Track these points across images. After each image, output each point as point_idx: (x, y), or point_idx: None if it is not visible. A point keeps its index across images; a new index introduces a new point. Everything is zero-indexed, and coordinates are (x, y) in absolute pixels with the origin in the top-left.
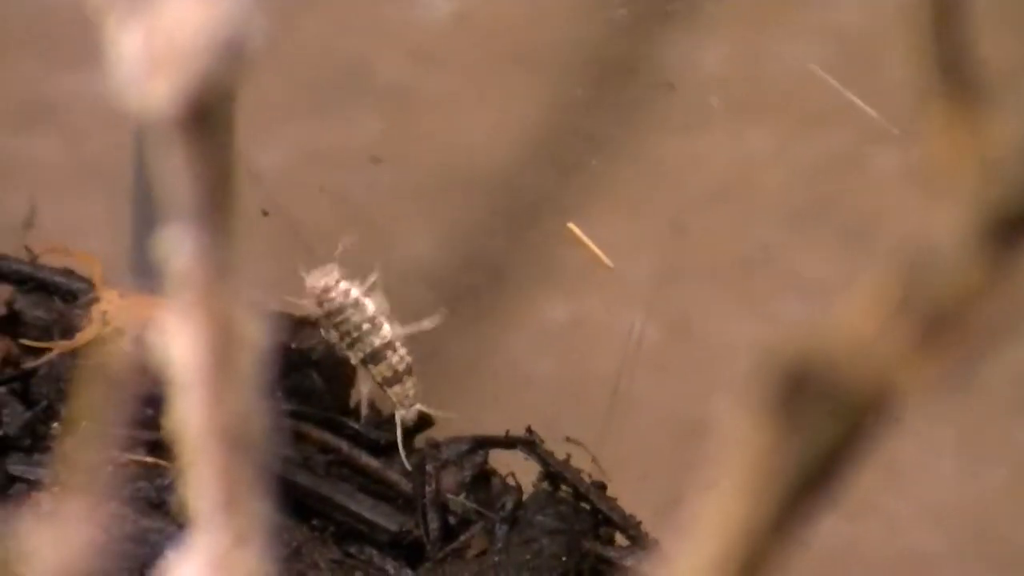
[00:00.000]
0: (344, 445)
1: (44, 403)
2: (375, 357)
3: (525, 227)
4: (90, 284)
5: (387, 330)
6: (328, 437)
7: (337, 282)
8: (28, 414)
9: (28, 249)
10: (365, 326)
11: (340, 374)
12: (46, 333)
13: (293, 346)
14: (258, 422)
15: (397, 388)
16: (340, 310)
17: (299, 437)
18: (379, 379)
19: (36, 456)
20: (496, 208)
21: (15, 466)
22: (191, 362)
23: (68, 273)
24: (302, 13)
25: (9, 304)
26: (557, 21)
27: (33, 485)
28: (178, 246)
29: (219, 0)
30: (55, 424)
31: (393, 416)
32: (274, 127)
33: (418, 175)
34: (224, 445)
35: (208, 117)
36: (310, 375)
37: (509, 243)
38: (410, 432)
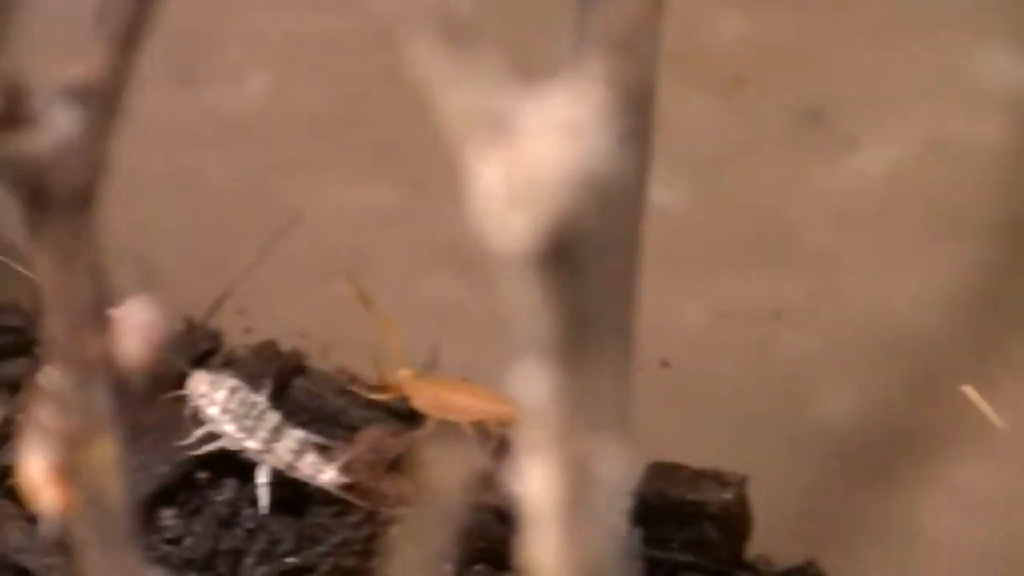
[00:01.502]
0: None
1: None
2: (275, 437)
3: (928, 389)
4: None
5: (274, 415)
6: None
7: (212, 384)
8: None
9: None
10: (254, 412)
11: (736, 527)
12: None
13: (689, 498)
14: (612, 562)
15: (308, 459)
16: (226, 401)
17: None
18: (289, 459)
19: None
20: (904, 369)
21: None
22: (545, 498)
23: None
24: (730, 170)
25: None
26: (990, 187)
27: None
28: (534, 382)
29: (581, 135)
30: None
31: None
32: (688, 282)
33: (831, 335)
34: None
35: (566, 254)
36: (705, 527)
37: (912, 405)
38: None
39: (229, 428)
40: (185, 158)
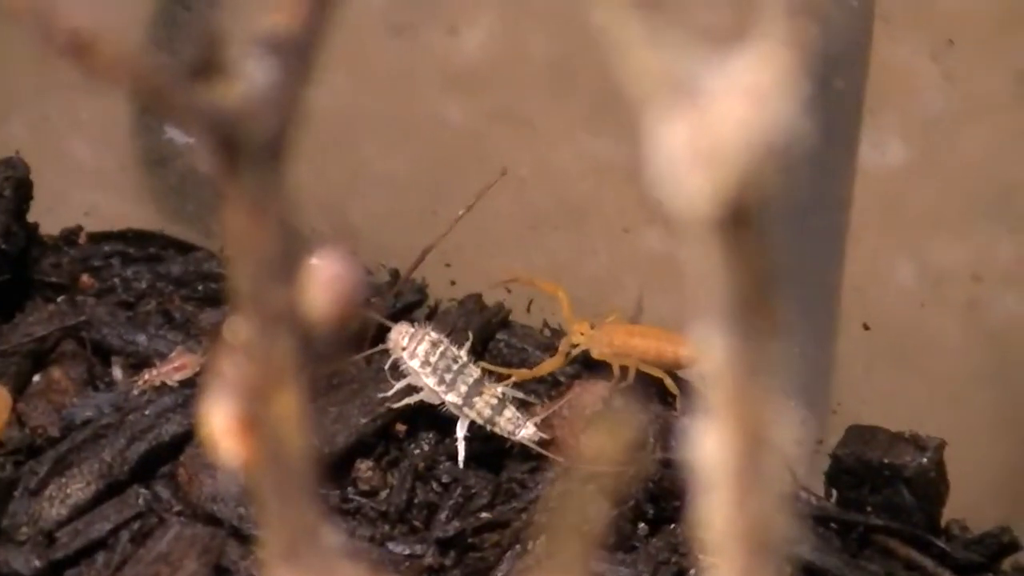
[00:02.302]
0: (929, 564)
1: (631, 502)
2: (473, 393)
3: None
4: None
5: (473, 367)
6: (914, 554)
7: (413, 332)
8: (614, 512)
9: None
10: (455, 365)
11: (932, 492)
12: None
13: (886, 461)
14: (781, 527)
15: (507, 414)
16: (428, 352)
17: (885, 552)
18: (488, 413)
19: (620, 555)
20: None
21: (598, 564)
22: (718, 462)
23: None
24: (942, 132)
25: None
26: None
27: None
28: (710, 345)
29: (766, 100)
30: (641, 525)
31: None
32: (895, 244)
33: None
34: (747, 548)
35: (748, 218)
36: (901, 491)
37: None
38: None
39: (429, 381)
40: (398, 108)
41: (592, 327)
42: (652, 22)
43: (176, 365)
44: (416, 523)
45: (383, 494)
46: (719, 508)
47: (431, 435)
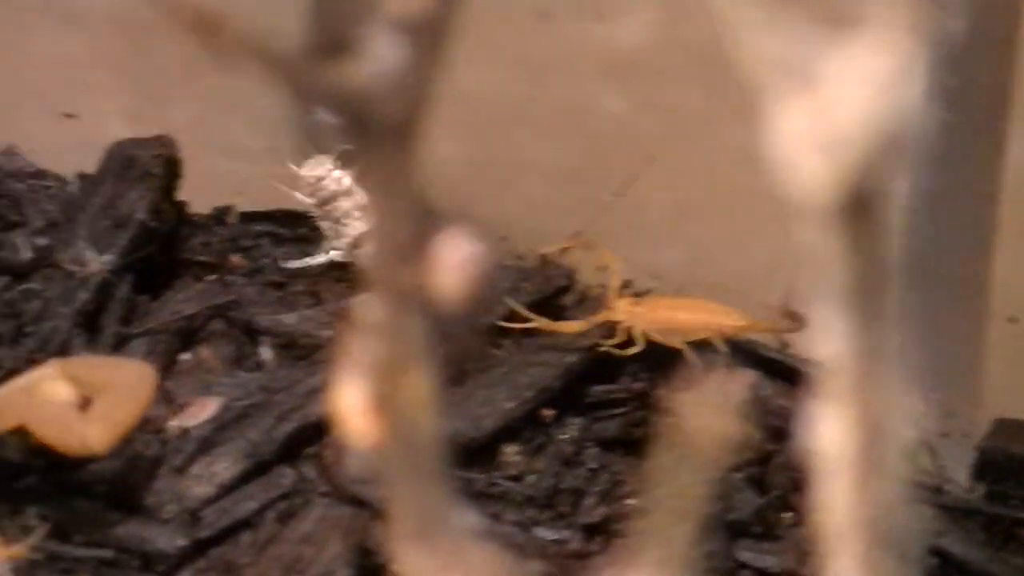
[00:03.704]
0: None
1: (778, 492)
2: (359, 241)
3: None
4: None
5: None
6: None
7: (330, 171)
8: (761, 501)
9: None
10: (356, 213)
11: None
12: None
13: None
14: (903, 517)
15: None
16: (333, 197)
17: None
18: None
19: (765, 544)
20: None
21: (743, 552)
22: (838, 450)
23: None
24: None
25: (754, 389)
26: None
27: (761, 573)
28: (829, 331)
29: (887, 87)
30: (787, 514)
31: None
32: None
33: None
34: (867, 538)
35: (867, 206)
36: None
37: None
38: None
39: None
40: (544, 95)
41: (634, 304)
42: (767, 4)
43: (194, 410)
44: (562, 508)
45: (529, 479)
46: (838, 497)
47: (578, 420)
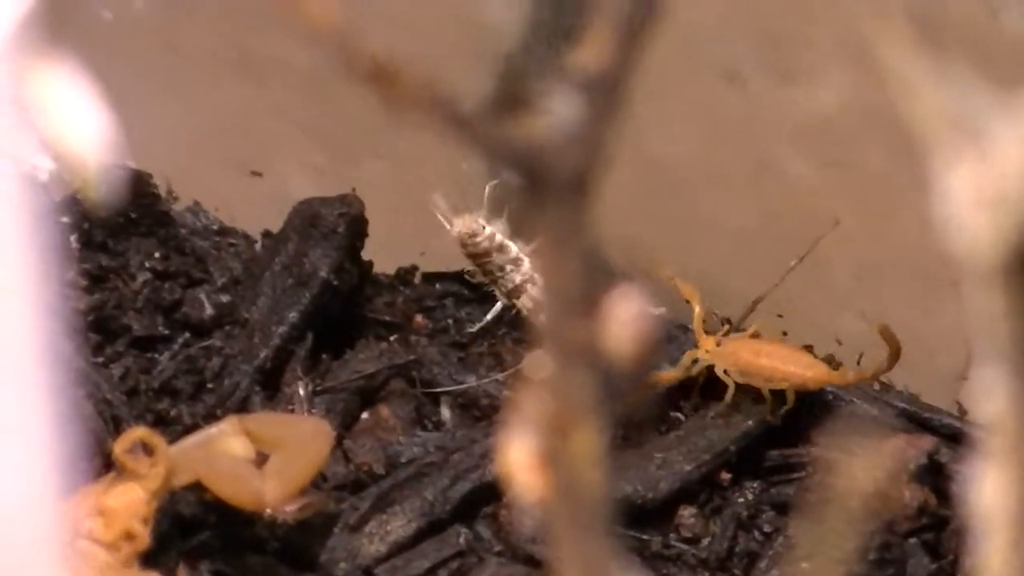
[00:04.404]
0: None
1: (951, 557)
2: (517, 291)
3: None
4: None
5: (527, 267)
6: None
7: (483, 227)
8: (933, 567)
9: (959, 405)
10: (508, 267)
11: None
12: None
13: None
14: None
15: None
16: (486, 253)
17: None
18: (525, 310)
19: None
20: None
21: None
22: (998, 506)
23: None
24: None
25: (931, 455)
26: None
27: None
28: (992, 390)
29: None
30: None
31: None
32: None
33: None
34: None
35: None
36: None
37: None
38: None
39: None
40: (729, 155)
41: (718, 344)
42: (936, 61)
43: None
44: (736, 571)
45: (705, 541)
46: (997, 553)
47: (756, 484)
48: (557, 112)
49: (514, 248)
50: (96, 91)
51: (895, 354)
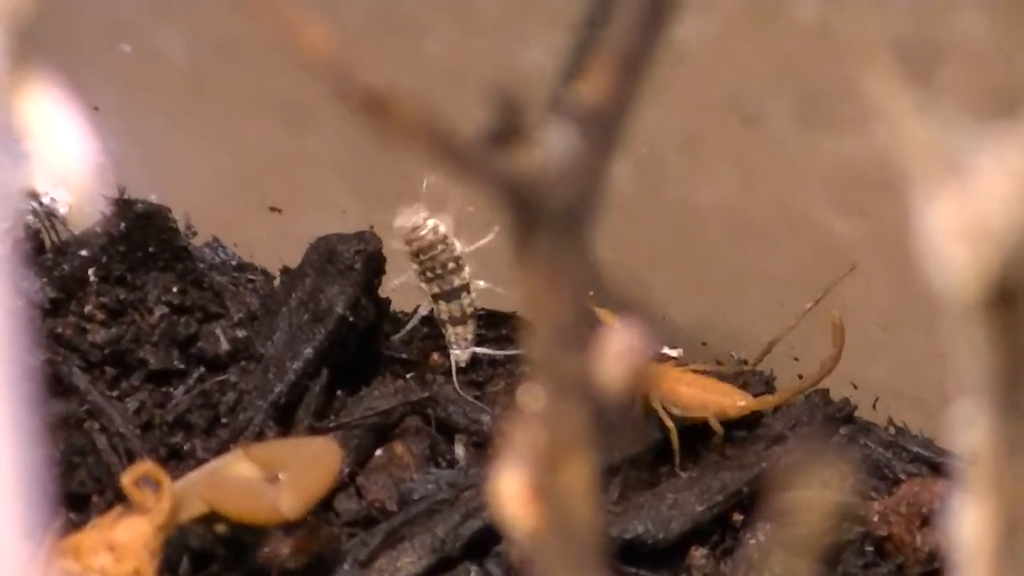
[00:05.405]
0: None
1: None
2: (449, 296)
3: None
4: None
5: (466, 273)
6: None
7: (425, 220)
8: None
9: None
10: (450, 265)
11: None
12: None
13: None
14: None
15: (459, 328)
16: (431, 246)
17: None
18: (445, 317)
19: None
20: None
21: None
22: (977, 539)
23: None
24: None
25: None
26: None
27: None
28: (971, 423)
29: None
30: None
31: None
32: None
33: None
34: None
35: (1009, 298)
36: None
37: None
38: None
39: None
40: (742, 197)
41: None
42: (919, 93)
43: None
44: None
45: None
46: None
47: (768, 526)
48: (551, 145)
49: (458, 246)
50: (92, 118)
51: (836, 355)
